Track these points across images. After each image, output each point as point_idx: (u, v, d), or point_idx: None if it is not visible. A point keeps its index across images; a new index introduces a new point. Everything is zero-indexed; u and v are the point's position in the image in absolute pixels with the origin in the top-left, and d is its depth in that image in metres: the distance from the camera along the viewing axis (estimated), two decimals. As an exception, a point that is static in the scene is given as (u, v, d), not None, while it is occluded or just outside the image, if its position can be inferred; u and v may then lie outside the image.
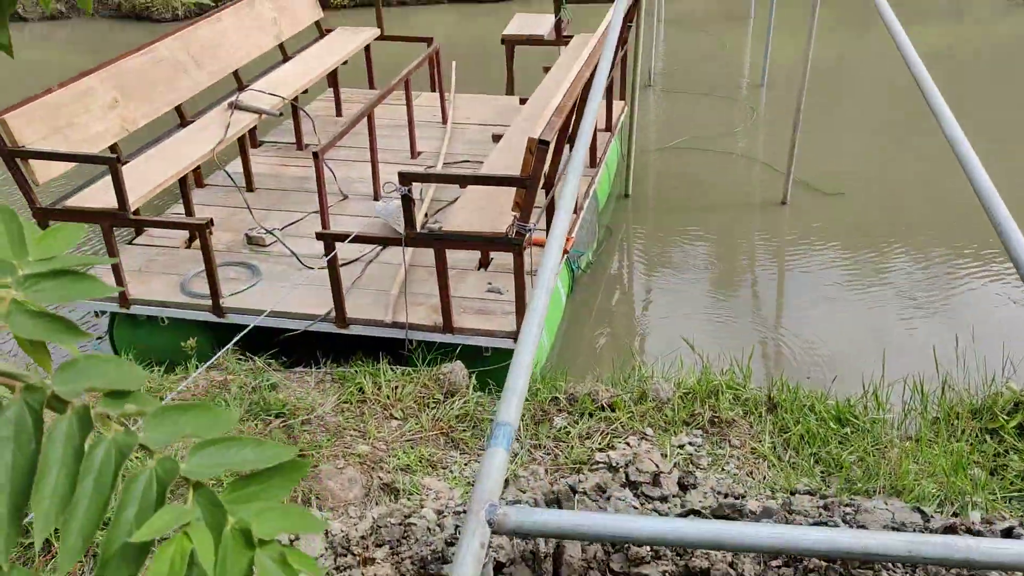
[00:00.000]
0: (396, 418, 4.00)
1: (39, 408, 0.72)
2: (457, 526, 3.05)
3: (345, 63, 6.95)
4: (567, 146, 4.92)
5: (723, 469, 3.57)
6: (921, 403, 4.03)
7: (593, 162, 6.05)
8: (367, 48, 7.31)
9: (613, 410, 3.96)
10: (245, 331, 4.11)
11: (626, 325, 5.44)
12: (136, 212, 4.71)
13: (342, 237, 4.37)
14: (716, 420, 3.83)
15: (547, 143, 3.86)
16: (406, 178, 4.15)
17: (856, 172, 7.02)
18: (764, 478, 3.52)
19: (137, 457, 0.78)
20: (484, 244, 4.32)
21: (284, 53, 6.87)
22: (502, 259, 4.91)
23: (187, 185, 5.40)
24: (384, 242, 4.52)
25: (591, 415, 3.96)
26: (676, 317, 5.44)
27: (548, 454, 3.78)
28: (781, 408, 3.89)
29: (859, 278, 5.73)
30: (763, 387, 4.08)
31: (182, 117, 5.81)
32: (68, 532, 0.71)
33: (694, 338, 4.74)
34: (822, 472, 3.58)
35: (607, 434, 3.82)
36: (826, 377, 4.56)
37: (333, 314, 4.57)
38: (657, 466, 3.51)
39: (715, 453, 3.66)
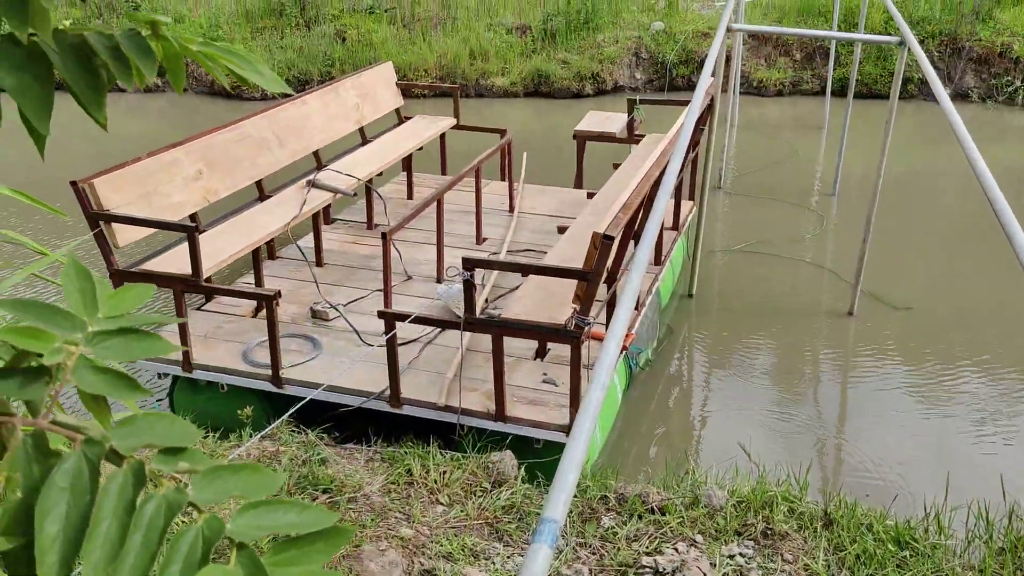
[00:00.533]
0: (442, 503, 3.96)
1: (97, 461, 0.74)
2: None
3: (420, 149, 7.15)
4: (632, 242, 4.95)
5: (774, 584, 3.44)
6: (986, 531, 3.85)
7: (658, 260, 6.06)
8: (442, 136, 7.52)
9: (663, 513, 3.87)
10: (300, 404, 4.16)
11: (682, 426, 5.35)
12: (208, 280, 4.84)
13: (402, 317, 4.42)
14: (769, 532, 3.72)
15: (612, 238, 3.89)
16: (469, 263, 4.20)
17: (925, 287, 6.90)
18: (816, 597, 3.38)
19: (186, 514, 0.80)
20: (542, 334, 4.33)
21: (363, 137, 7.11)
22: (559, 350, 4.90)
23: (259, 256, 5.55)
24: (443, 325, 4.56)
25: (640, 517, 3.87)
26: (733, 422, 5.34)
27: (593, 554, 3.70)
28: (837, 525, 3.76)
29: (925, 396, 5.58)
30: (820, 501, 3.96)
31: (261, 191, 6.01)
32: None
33: (751, 445, 4.64)
34: (878, 596, 3.43)
35: (655, 538, 3.73)
36: (886, 496, 4.41)
37: (388, 393, 4.60)
38: (705, 575, 3.41)
39: (766, 567, 3.53)
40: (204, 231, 5.30)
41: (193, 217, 5.27)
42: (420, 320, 4.49)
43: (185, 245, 4.79)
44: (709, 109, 6.36)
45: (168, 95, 13.10)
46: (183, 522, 0.79)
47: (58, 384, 0.75)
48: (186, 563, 0.75)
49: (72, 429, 0.74)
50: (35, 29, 0.85)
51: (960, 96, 11.98)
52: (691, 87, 11.33)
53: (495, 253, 6.29)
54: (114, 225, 4.70)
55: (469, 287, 4.25)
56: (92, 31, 0.93)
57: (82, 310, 0.79)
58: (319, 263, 6.12)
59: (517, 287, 5.18)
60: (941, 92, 4.48)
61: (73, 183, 4.60)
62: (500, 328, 4.28)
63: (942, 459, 4.93)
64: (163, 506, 0.75)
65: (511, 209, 7.04)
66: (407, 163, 7.27)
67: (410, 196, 7.34)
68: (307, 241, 6.29)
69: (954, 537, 3.75)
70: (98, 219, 4.65)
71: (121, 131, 11.45)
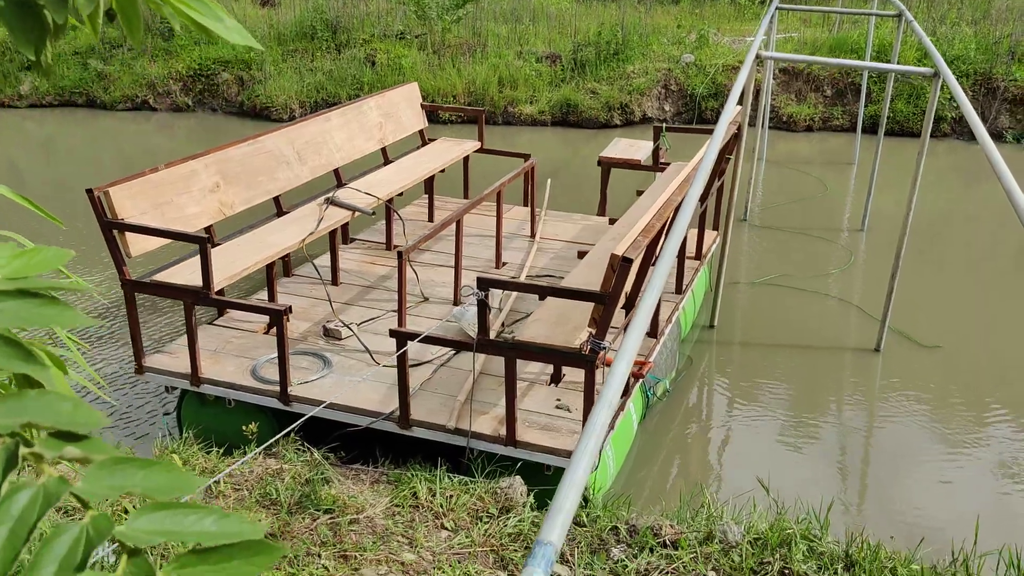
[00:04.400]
0: (447, 528, 3.83)
1: None
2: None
3: (443, 171, 7.08)
4: (652, 268, 4.82)
5: (790, 627, 3.27)
6: (1018, 580, 3.66)
7: (679, 289, 5.93)
8: (466, 160, 7.45)
9: (676, 547, 3.71)
10: (305, 418, 4.05)
11: (698, 459, 5.18)
12: (220, 293, 4.77)
13: (414, 336, 4.32)
14: (787, 572, 3.55)
15: (630, 260, 3.77)
16: (484, 283, 4.10)
17: (955, 326, 6.70)
18: (835, 643, 3.20)
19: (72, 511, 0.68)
20: (556, 357, 4.20)
21: (385, 157, 7.05)
22: (573, 376, 4.78)
23: (273, 273, 5.48)
24: (456, 346, 4.44)
25: (651, 550, 3.72)
26: (752, 457, 5.16)
27: (601, 587, 3.54)
28: (859, 567, 3.58)
29: (954, 437, 5.37)
30: (841, 542, 3.78)
31: (279, 207, 5.96)
32: None
33: (770, 481, 4.46)
34: (901, 644, 3.25)
35: (667, 573, 3.57)
36: (911, 539, 4.21)
37: (397, 413, 4.49)
38: (717, 614, 3.24)
39: (782, 608, 3.36)
40: (218, 244, 5.24)
41: (208, 229, 5.21)
42: (432, 340, 4.38)
43: (198, 257, 4.73)
44: (736, 139, 6.25)
45: (198, 114, 13.19)
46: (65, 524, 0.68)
47: None
48: (62, 566, 0.63)
49: None
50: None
51: (994, 136, 11.78)
52: (715, 125, 11.27)
53: (514, 277, 6.18)
54: (128, 234, 4.65)
55: (483, 307, 4.14)
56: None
57: (-24, 269, 0.69)
58: (335, 282, 6.04)
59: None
60: (977, 123, 4.34)
61: (89, 191, 4.56)
62: (514, 350, 4.16)
63: (970, 503, 4.73)
64: (39, 497, 0.63)
65: (532, 234, 6.94)
66: (429, 185, 7.20)
67: (431, 219, 7.27)
68: (324, 260, 6.22)
69: (983, 584, 3.56)
70: (112, 227, 4.60)
71: (149, 147, 11.52)
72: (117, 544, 0.65)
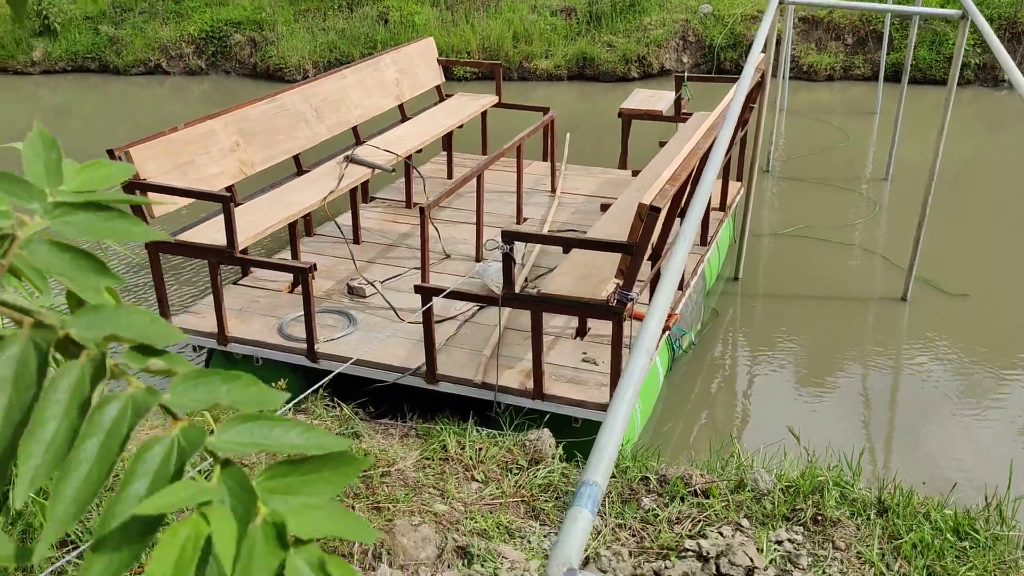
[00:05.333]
0: (477, 480, 3.84)
1: (47, 349, 0.61)
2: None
3: (461, 127, 7.02)
4: (678, 219, 4.77)
5: (824, 572, 3.27)
6: (1052, 524, 3.64)
7: (704, 240, 5.87)
8: (484, 115, 7.38)
9: (707, 496, 3.71)
10: (333, 374, 4.06)
11: (725, 411, 5.17)
12: (244, 252, 4.76)
13: (439, 291, 4.30)
14: (819, 518, 3.54)
15: (658, 209, 3.72)
16: (508, 236, 4.07)
17: (982, 274, 6.62)
18: (870, 587, 3.20)
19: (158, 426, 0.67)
20: (582, 309, 4.18)
21: (403, 113, 6.99)
22: (599, 329, 4.75)
23: (296, 232, 5.47)
24: (481, 300, 4.43)
25: (682, 499, 3.72)
26: (779, 408, 5.15)
27: (633, 536, 3.55)
28: (892, 513, 3.57)
29: (983, 384, 5.33)
30: (873, 488, 3.77)
31: (299, 166, 5.93)
32: (60, 497, 0.60)
33: (799, 431, 4.45)
34: (936, 588, 3.24)
35: (699, 521, 3.57)
36: (943, 485, 4.19)
37: (424, 369, 4.49)
38: (752, 560, 3.25)
39: (817, 554, 3.36)
40: (240, 204, 5.22)
41: (229, 190, 5.20)
42: (457, 295, 4.36)
43: (220, 217, 4.72)
44: (759, 87, 6.15)
45: (211, 77, 13.13)
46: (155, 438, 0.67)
47: (5, 259, 0.63)
48: (155, 479, 0.62)
49: (20, 311, 0.61)
50: None
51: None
52: (739, 71, 11.08)
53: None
54: (149, 194, 4.63)
55: (508, 260, 4.11)
56: None
57: (44, 181, 0.67)
58: (356, 240, 6.02)
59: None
60: (1011, 66, 4.23)
61: (110, 151, 4.54)
62: (539, 303, 4.14)
63: (1001, 450, 4.70)
64: (128, 408, 0.62)
65: (553, 189, 6.89)
66: (447, 142, 7.14)
67: (450, 175, 7.22)
68: (344, 219, 6.20)
69: (1018, 528, 3.55)
70: (134, 188, 4.59)
71: (163, 112, 11.49)
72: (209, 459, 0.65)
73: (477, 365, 4.55)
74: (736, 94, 4.43)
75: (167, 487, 0.62)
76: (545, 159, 7.07)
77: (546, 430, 4.12)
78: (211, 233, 4.84)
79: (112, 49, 13.35)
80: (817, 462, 3.88)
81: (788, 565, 3.31)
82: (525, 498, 3.73)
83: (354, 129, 6.39)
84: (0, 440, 0.60)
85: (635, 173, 6.39)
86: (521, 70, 12.34)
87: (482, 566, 3.23)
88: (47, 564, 2.92)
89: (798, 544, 3.40)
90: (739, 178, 6.80)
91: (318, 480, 0.67)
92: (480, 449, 4.02)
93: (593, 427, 4.22)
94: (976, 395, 5.24)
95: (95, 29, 13.56)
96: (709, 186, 3.29)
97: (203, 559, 0.59)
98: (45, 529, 0.60)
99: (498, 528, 3.49)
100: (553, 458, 3.99)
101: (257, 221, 4.98)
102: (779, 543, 3.39)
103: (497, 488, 3.76)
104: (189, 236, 4.86)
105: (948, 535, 3.44)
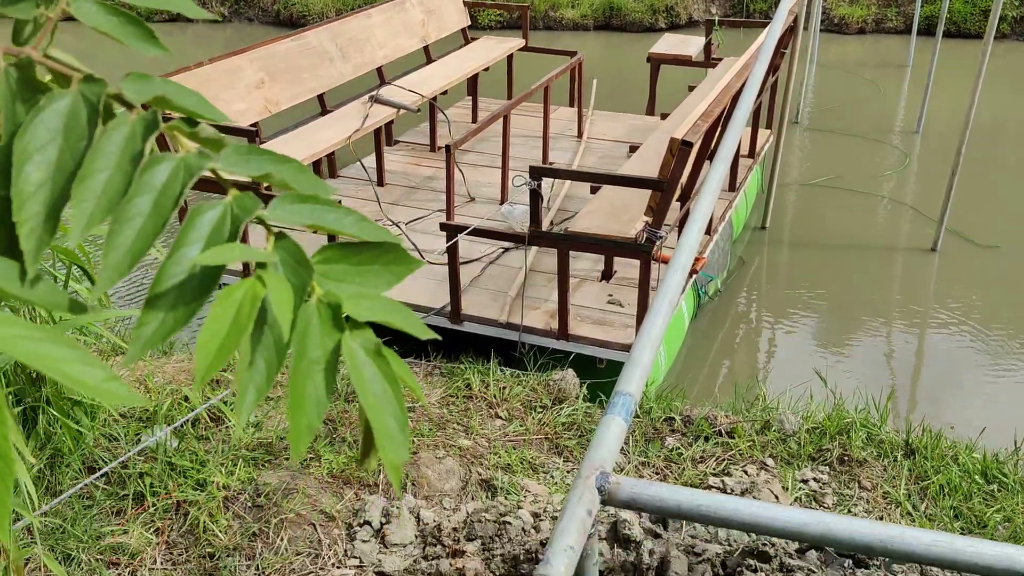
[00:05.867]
0: (501, 418, 3.84)
1: (97, 103, 0.61)
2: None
3: (487, 70, 6.93)
4: (708, 161, 4.70)
5: (850, 511, 3.25)
6: (1082, 470, 3.59)
7: (732, 186, 5.79)
8: (510, 60, 7.28)
9: (731, 436, 3.69)
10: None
11: (749, 357, 5.13)
12: (268, 189, 4.74)
13: (464, 228, 4.27)
14: (846, 459, 3.51)
15: (690, 144, 3.66)
16: (536, 172, 4.02)
17: (1013, 226, 6.51)
18: (896, 526, 3.17)
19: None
20: (611, 248, 4.13)
21: (428, 56, 6.91)
22: (625, 272, 4.71)
23: (320, 172, 5.44)
24: (507, 238, 4.39)
25: (707, 439, 3.69)
26: (805, 355, 5.10)
27: (657, 473, 3.54)
28: (920, 454, 3.53)
29: (1012, 333, 5.26)
30: (900, 430, 3.73)
31: (323, 106, 5.88)
32: (114, 247, 0.60)
33: (825, 377, 4.40)
34: (962, 528, 3.22)
35: (723, 460, 3.55)
36: (971, 430, 4.15)
37: (448, 308, 4.47)
38: (777, 498, 3.23)
39: (842, 493, 3.34)
40: (265, 142, 5.19)
41: (254, 126, 5.16)
42: (482, 233, 4.33)
43: (245, 152, 4.69)
44: (791, 31, 6.02)
45: (234, 25, 13.04)
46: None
47: (55, 10, 0.64)
48: (209, 241, 0.62)
49: (69, 67, 0.61)
50: None
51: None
52: (768, 20, 10.91)
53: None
54: (175, 129, 4.61)
55: (536, 197, 4.07)
56: None
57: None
58: (380, 182, 5.98)
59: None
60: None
61: (134, 85, 4.51)
62: (567, 242, 4.10)
63: (1030, 399, 4.64)
64: (180, 169, 0.62)
65: (579, 135, 6.81)
66: (472, 86, 7.06)
67: (475, 120, 7.14)
68: (369, 161, 6.15)
69: (1047, 472, 3.50)
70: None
71: (186, 60, 11.43)
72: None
73: (502, 305, 4.53)
74: (769, 36, 4.32)
75: (223, 245, 0.62)
76: (572, 105, 6.98)
77: (570, 370, 4.10)
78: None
79: (135, -5, 13.26)
80: (843, 404, 3.84)
81: (813, 503, 3.29)
82: (548, 435, 3.73)
83: (379, 70, 6.32)
84: (53, 187, 0.60)
85: (664, 116, 6.29)
86: (547, 19, 12.16)
87: (506, 498, 3.23)
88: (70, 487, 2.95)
89: (823, 483, 3.37)
90: (768, 126, 6.69)
91: (370, 272, 0.66)
92: (504, 388, 4.00)
93: (617, 368, 4.18)
94: (1005, 345, 5.17)
95: (118, -26, 13.47)
96: (739, 128, 3.21)
97: (258, 325, 0.58)
98: (100, 277, 0.60)
99: (521, 463, 3.48)
100: (577, 398, 3.97)
101: (282, 158, 4.94)
102: (804, 481, 3.37)
103: (520, 425, 3.75)
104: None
105: (976, 477, 3.40)
